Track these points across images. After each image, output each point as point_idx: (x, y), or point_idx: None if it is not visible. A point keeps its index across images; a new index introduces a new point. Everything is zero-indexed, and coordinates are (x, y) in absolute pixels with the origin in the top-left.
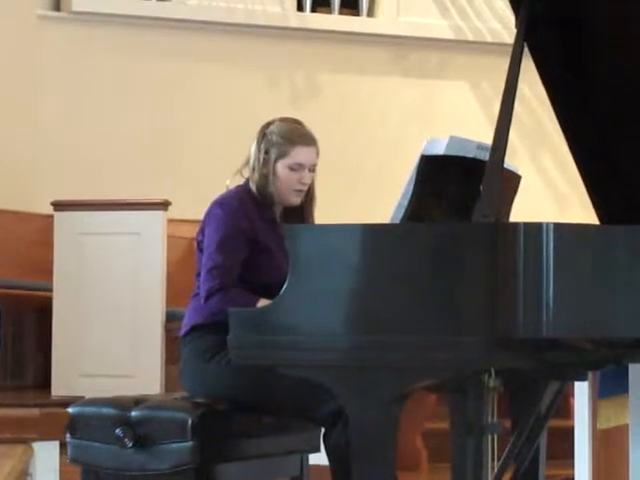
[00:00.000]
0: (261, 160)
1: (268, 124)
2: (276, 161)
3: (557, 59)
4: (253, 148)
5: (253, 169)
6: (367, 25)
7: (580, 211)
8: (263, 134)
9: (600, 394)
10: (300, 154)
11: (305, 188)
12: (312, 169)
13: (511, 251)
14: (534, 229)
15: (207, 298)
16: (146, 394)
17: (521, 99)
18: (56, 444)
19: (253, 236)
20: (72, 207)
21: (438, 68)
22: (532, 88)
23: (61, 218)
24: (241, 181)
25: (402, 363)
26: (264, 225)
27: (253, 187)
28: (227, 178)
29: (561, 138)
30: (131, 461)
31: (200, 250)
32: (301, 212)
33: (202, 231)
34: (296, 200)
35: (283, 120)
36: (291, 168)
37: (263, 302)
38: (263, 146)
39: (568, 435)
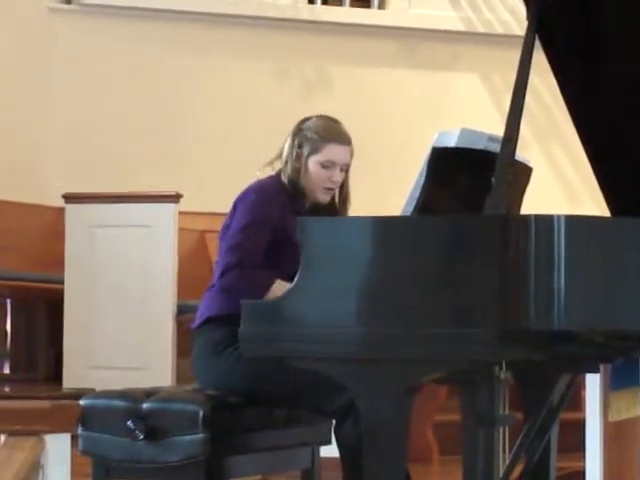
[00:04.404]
0: (294, 154)
1: (305, 119)
2: (309, 156)
3: (569, 51)
4: (287, 142)
5: (286, 162)
6: (378, 17)
7: (591, 204)
8: (299, 128)
9: (611, 386)
10: (333, 152)
11: (335, 187)
12: (344, 168)
13: (522, 243)
14: (545, 221)
15: (223, 273)
16: (157, 386)
17: (532, 91)
18: (67, 436)
19: (281, 226)
20: (83, 200)
21: (449, 60)
22: (544, 80)
23: (72, 210)
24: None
25: (413, 355)
26: (293, 217)
27: (285, 180)
28: (238, 170)
29: (573, 130)
30: (142, 453)
31: (224, 234)
32: (334, 211)
33: (231, 215)
34: (324, 198)
35: (321, 117)
36: (323, 165)
37: (279, 284)
38: (297, 140)
39: (579, 427)
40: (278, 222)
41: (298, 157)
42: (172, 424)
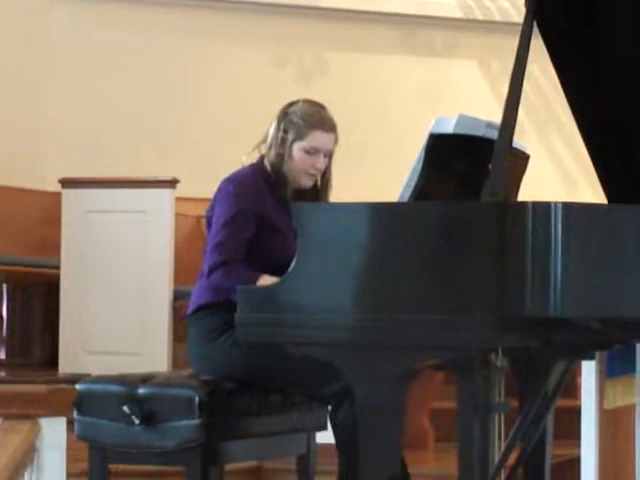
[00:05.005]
0: (279, 139)
1: (291, 104)
2: (293, 142)
3: (568, 38)
4: (273, 126)
5: (270, 147)
6: (377, 3)
7: (588, 191)
8: (285, 113)
9: (607, 373)
10: (317, 139)
11: (318, 173)
12: (328, 155)
13: (519, 230)
14: (543, 208)
15: (210, 273)
16: (153, 371)
17: (530, 78)
18: (63, 420)
19: (263, 215)
20: (80, 184)
21: (447, 47)
22: (541, 67)
23: (69, 195)
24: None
25: (409, 342)
26: (275, 205)
27: (268, 165)
28: (235, 155)
29: (570, 118)
30: (138, 438)
31: (209, 227)
32: (315, 197)
33: (212, 208)
34: (307, 183)
35: (307, 102)
36: (306, 151)
37: (264, 279)
38: (283, 125)
39: (575, 414)
40: (259, 211)
41: (283, 142)
42: (168, 409)
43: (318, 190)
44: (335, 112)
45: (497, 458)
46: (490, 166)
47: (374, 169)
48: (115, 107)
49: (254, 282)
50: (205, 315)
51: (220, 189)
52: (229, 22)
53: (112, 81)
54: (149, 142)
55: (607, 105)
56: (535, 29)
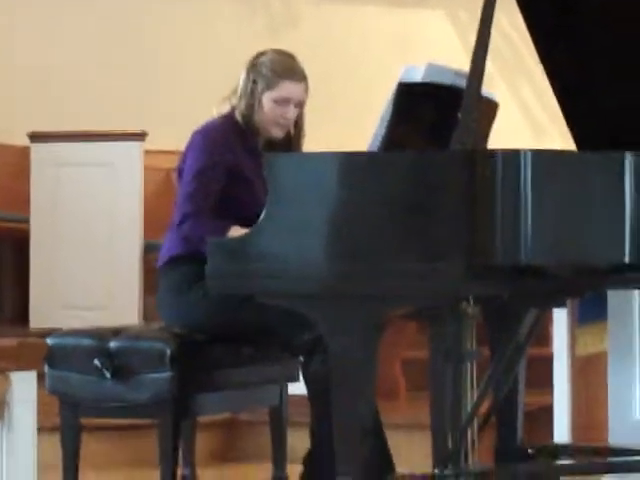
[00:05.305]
0: (248, 89)
1: (260, 54)
2: (262, 92)
3: None
4: (242, 76)
5: (240, 97)
6: None
7: (558, 139)
8: (253, 64)
9: (579, 321)
10: (287, 89)
11: (288, 123)
12: (298, 105)
13: (489, 178)
14: (512, 156)
15: (180, 223)
16: (124, 325)
17: (499, 29)
18: (33, 374)
19: (234, 166)
20: (48, 138)
21: None
22: (510, 18)
23: (38, 149)
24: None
25: (380, 290)
26: (246, 155)
27: (238, 116)
28: (206, 108)
29: (539, 67)
30: (110, 392)
31: (180, 178)
32: (288, 146)
33: (183, 160)
34: (278, 134)
35: (276, 52)
36: (276, 101)
37: (235, 230)
38: (252, 76)
39: (547, 363)
40: (230, 162)
41: (252, 93)
42: (139, 362)
43: (291, 140)
44: (306, 62)
45: (469, 407)
46: (459, 114)
47: (345, 118)
48: (84, 60)
49: (225, 232)
50: (176, 267)
51: (191, 141)
52: None
53: (79, 34)
54: (119, 95)
55: (577, 51)
56: None
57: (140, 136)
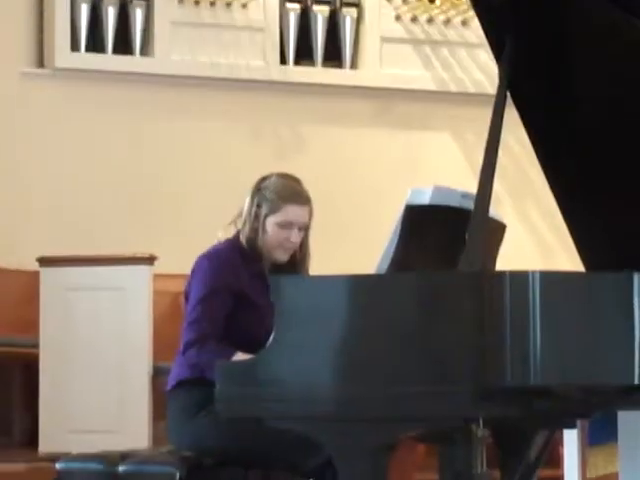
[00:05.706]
0: (253, 213)
1: (264, 178)
2: (266, 216)
3: (541, 108)
4: (247, 200)
5: (245, 222)
6: (350, 77)
7: (566, 260)
8: (258, 188)
9: (589, 442)
10: (291, 212)
11: (293, 247)
12: (303, 228)
13: (497, 300)
14: (520, 277)
15: (184, 350)
16: (133, 449)
17: (505, 148)
18: None
19: (239, 291)
20: (58, 263)
21: (422, 119)
22: (516, 137)
23: (47, 274)
24: (233, 233)
25: (390, 414)
26: (251, 279)
27: (243, 240)
28: (213, 231)
29: (546, 186)
30: None
31: (187, 302)
32: (294, 269)
33: (189, 284)
34: (282, 257)
35: (280, 176)
36: (280, 225)
37: (240, 356)
38: (256, 200)
39: None
40: (236, 286)
41: (257, 217)
42: None
43: (296, 262)
44: (312, 185)
45: None
46: (467, 236)
47: (352, 241)
48: (93, 185)
49: (229, 359)
50: (184, 391)
51: (196, 265)
52: (205, 99)
53: (88, 158)
54: (127, 219)
55: (585, 175)
56: (509, 99)
57: (149, 260)
